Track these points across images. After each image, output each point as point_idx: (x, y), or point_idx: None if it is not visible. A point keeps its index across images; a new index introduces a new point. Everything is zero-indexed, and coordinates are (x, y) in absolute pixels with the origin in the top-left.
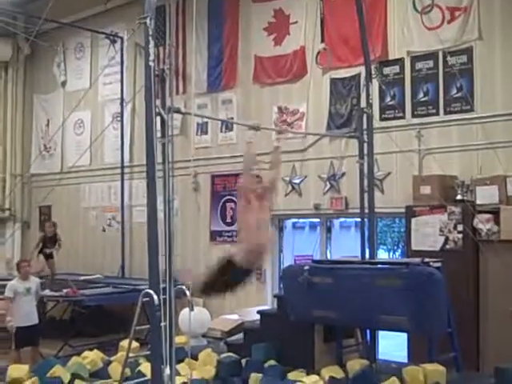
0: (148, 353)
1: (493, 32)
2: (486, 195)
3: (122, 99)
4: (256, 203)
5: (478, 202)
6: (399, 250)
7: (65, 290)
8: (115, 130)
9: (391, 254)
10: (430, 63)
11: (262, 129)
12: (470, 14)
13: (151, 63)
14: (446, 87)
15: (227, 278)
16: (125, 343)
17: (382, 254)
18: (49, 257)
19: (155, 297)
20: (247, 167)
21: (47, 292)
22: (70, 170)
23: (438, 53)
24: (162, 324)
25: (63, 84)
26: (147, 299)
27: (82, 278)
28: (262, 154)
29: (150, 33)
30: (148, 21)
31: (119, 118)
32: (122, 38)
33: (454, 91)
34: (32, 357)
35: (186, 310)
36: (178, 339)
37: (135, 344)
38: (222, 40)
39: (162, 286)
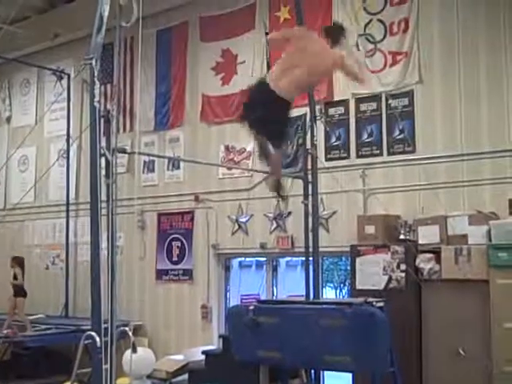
0: None
1: (433, 76)
2: (427, 235)
3: (68, 136)
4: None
5: (420, 241)
6: (346, 288)
7: (5, 331)
8: (61, 166)
9: (338, 291)
10: (374, 105)
11: (208, 164)
12: (410, 58)
13: (96, 104)
14: (389, 129)
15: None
16: None
17: (329, 292)
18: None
19: (97, 339)
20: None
21: None
22: (13, 207)
23: (381, 95)
24: (105, 366)
25: (8, 119)
26: (90, 341)
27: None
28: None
29: (95, 74)
30: (93, 62)
31: (65, 155)
32: (68, 75)
33: (397, 133)
34: None
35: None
36: (121, 381)
37: None
38: (170, 78)
39: (104, 326)
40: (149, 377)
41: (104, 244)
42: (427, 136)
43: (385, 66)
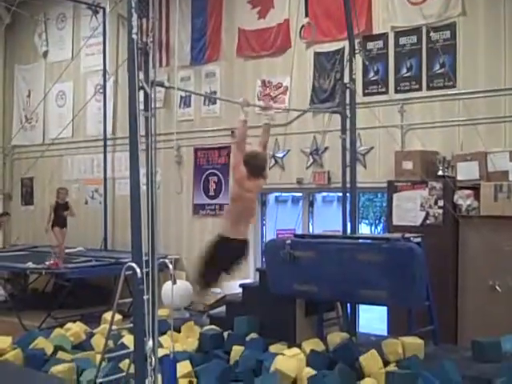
0: (131, 325)
1: (476, 8)
2: (466, 171)
3: (104, 71)
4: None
5: (458, 177)
6: (381, 225)
7: (47, 263)
8: (98, 101)
9: (373, 228)
10: (414, 39)
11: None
12: None
13: (134, 36)
14: (429, 63)
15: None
16: (108, 316)
17: (364, 228)
18: (64, 225)
19: (138, 270)
20: (239, 146)
21: (30, 264)
22: (52, 142)
23: (422, 28)
24: (145, 297)
25: (44, 55)
26: (130, 272)
27: (65, 250)
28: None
29: (133, 5)
30: None
31: (102, 90)
32: (104, 9)
33: (437, 67)
34: None
35: (169, 282)
36: (161, 312)
37: (118, 316)
38: (206, 12)
39: (144, 258)
40: (187, 308)
41: (142, 179)
42: (469, 70)
43: None
